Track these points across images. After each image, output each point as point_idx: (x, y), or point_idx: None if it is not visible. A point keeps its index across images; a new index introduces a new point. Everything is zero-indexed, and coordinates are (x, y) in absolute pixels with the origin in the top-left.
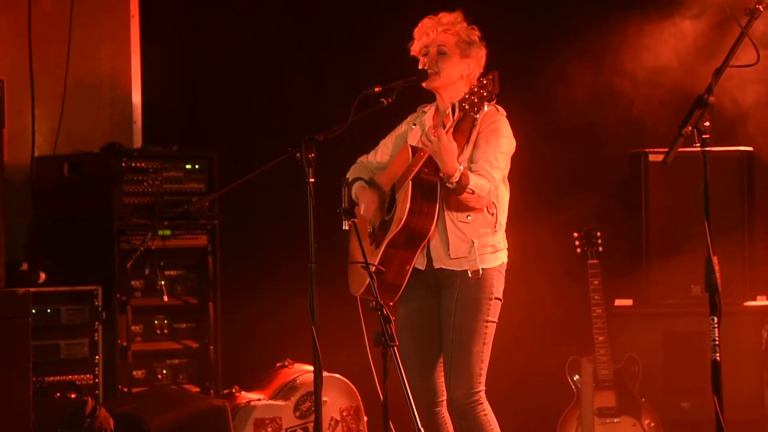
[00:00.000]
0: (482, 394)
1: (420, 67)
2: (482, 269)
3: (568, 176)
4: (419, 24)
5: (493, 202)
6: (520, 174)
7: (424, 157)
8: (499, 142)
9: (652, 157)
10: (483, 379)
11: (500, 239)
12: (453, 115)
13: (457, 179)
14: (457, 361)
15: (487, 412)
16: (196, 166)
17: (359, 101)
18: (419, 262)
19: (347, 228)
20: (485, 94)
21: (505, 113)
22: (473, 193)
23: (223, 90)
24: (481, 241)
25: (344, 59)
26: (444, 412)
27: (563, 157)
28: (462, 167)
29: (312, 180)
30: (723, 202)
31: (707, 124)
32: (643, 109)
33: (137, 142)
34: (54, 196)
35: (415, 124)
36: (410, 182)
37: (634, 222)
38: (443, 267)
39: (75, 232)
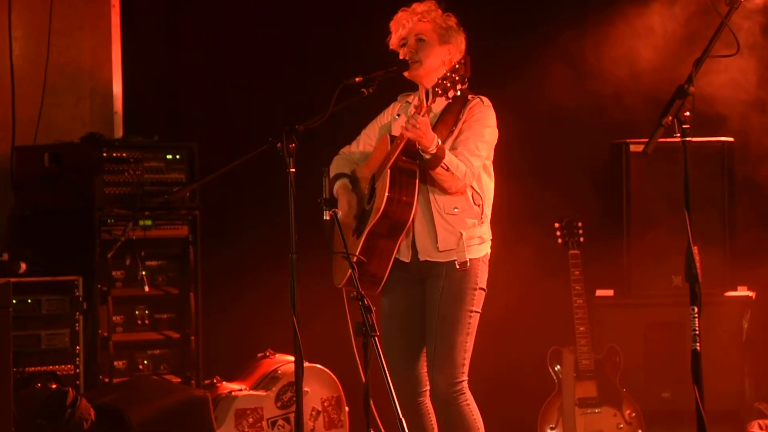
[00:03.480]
0: (465, 384)
1: (401, 58)
2: (469, 260)
3: (549, 167)
4: (394, 17)
5: (478, 193)
6: (501, 164)
7: (402, 144)
8: (482, 131)
9: (633, 148)
10: (466, 369)
11: (486, 230)
12: (427, 100)
13: (434, 150)
14: (440, 351)
15: (469, 401)
16: (177, 156)
17: (340, 91)
18: (404, 255)
19: (328, 218)
20: (457, 78)
21: (490, 104)
22: (447, 169)
23: (204, 80)
24: (469, 233)
25: (326, 49)
26: (427, 401)
27: (544, 147)
28: (439, 141)
29: (293, 170)
30: (704, 192)
31: (687, 114)
32: (624, 99)
33: (118, 132)
34: (34, 186)
35: (399, 115)
36: (388, 170)
37: (615, 212)
38: (429, 259)
39: (56, 223)
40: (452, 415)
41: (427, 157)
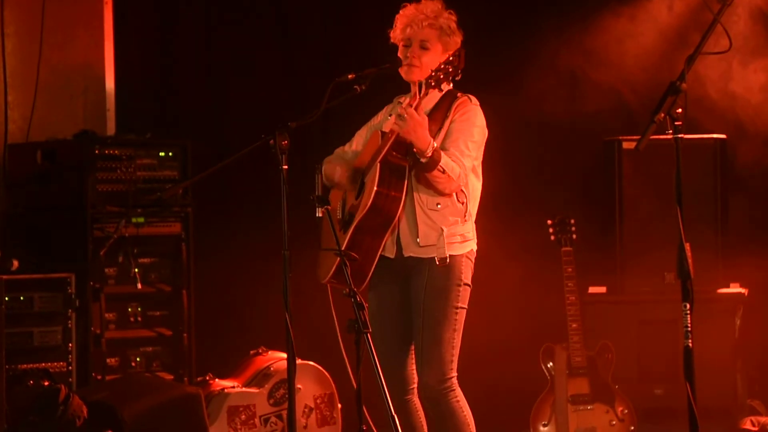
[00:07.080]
0: (454, 381)
1: (399, 55)
2: (450, 256)
3: (542, 164)
4: (402, 11)
5: (463, 191)
6: (494, 162)
7: (392, 139)
8: (471, 130)
9: (625, 145)
10: (455, 365)
11: (469, 229)
12: (420, 92)
13: (430, 154)
14: (428, 348)
15: (459, 398)
16: (170, 154)
17: (332, 88)
18: (389, 251)
19: (320, 215)
20: (451, 69)
21: (477, 103)
22: (444, 171)
23: (197, 77)
24: (450, 230)
25: (319, 46)
26: (415, 399)
27: (537, 144)
28: (435, 143)
29: (285, 167)
30: (696, 189)
31: (680, 111)
32: (616, 96)
33: (111, 129)
34: (27, 183)
35: (391, 114)
36: (378, 164)
37: (607, 209)
38: (412, 255)
39: (48, 220)
40: (442, 411)
41: (424, 160)
